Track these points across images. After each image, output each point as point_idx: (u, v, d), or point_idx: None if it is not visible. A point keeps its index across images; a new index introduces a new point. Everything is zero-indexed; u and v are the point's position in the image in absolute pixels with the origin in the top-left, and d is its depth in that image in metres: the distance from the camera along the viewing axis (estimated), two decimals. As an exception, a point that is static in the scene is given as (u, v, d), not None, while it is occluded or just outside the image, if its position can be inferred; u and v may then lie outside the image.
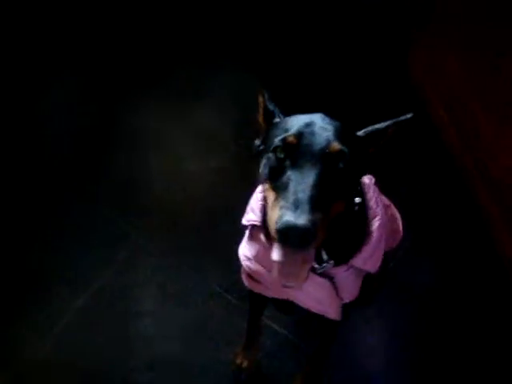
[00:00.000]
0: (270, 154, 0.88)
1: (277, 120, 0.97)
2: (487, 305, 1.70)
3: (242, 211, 1.15)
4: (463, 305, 1.69)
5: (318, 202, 0.80)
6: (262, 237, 1.06)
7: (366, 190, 1.10)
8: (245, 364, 1.51)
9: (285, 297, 1.15)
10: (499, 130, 1.70)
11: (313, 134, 0.87)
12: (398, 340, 1.61)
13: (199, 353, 1.56)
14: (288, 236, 0.78)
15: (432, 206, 1.89)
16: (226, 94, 2.16)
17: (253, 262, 1.12)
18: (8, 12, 2.37)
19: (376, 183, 1.15)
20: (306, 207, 0.78)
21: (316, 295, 1.09)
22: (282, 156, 0.86)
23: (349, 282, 1.09)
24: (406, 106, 2.05)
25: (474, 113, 1.82)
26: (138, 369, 1.54)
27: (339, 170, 0.86)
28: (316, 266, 1.00)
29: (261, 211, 1.06)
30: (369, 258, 1.06)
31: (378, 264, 1.10)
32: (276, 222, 0.79)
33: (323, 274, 1.04)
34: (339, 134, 0.88)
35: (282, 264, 0.85)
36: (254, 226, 1.10)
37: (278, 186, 0.85)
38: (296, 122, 0.90)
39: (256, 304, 1.39)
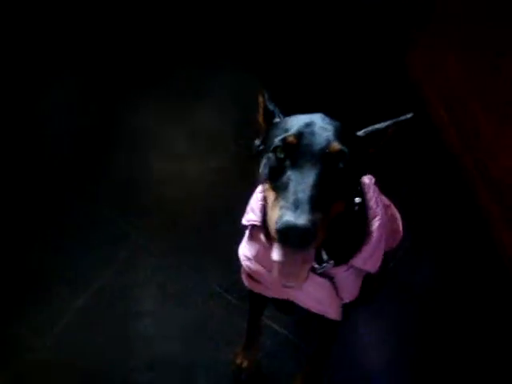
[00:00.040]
0: (270, 154, 0.88)
1: (277, 120, 0.97)
2: (487, 304, 1.70)
3: (241, 211, 1.15)
4: (463, 305, 1.69)
5: (317, 201, 0.80)
6: (262, 237, 1.06)
7: (366, 190, 1.10)
8: (245, 364, 1.51)
9: (285, 297, 1.15)
10: (499, 129, 1.70)
11: (313, 133, 0.87)
12: (398, 340, 1.61)
13: (199, 353, 1.56)
14: (288, 236, 0.78)
15: (432, 206, 1.89)
16: (225, 94, 2.16)
17: (253, 261, 1.12)
18: (8, 12, 2.37)
19: (376, 183, 1.15)
20: (305, 207, 0.78)
21: (316, 295, 1.09)
22: (282, 156, 0.86)
23: (349, 282, 1.09)
24: (406, 105, 2.05)
25: (474, 112, 1.82)
26: (138, 369, 1.54)
27: (339, 170, 0.86)
28: (316, 266, 1.00)
29: (261, 211, 1.06)
30: (369, 258, 1.06)
31: (378, 264, 1.10)
32: (276, 222, 0.79)
33: (323, 274, 1.04)
34: (339, 134, 0.88)
35: (281, 264, 0.85)
36: (253, 226, 1.10)
37: (278, 185, 0.84)
38: (296, 122, 0.90)
39: (256, 304, 1.39)
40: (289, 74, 2.22)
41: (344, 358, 1.55)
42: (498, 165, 1.73)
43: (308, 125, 0.88)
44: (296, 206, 0.79)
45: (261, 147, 0.96)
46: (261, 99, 0.99)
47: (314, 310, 1.14)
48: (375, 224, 1.07)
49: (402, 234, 1.39)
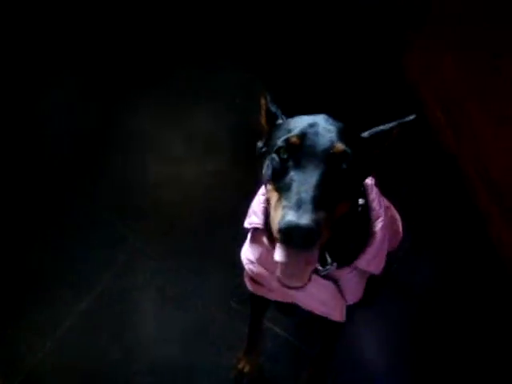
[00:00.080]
0: (274, 155, 0.88)
1: (279, 121, 0.97)
2: (487, 304, 1.69)
3: (241, 214, 1.15)
4: (464, 305, 1.69)
5: (321, 202, 0.80)
6: (265, 240, 1.05)
7: (369, 191, 1.09)
8: (246, 369, 1.50)
9: (289, 300, 1.15)
10: (497, 130, 1.70)
11: (316, 134, 0.87)
12: (401, 340, 1.61)
13: (200, 357, 1.55)
14: (291, 236, 0.78)
15: (431, 207, 1.89)
16: (225, 94, 2.15)
17: (256, 265, 1.11)
18: (8, 12, 2.36)
19: (376, 184, 1.15)
20: (308, 207, 0.78)
21: (320, 297, 1.08)
22: (285, 156, 0.86)
23: (352, 284, 1.08)
24: (403, 107, 2.06)
25: (471, 114, 1.82)
26: (139, 372, 1.53)
27: (342, 171, 0.85)
28: (320, 268, 0.99)
29: (263, 214, 1.06)
30: (372, 260, 1.06)
31: (382, 265, 1.10)
32: (278, 223, 0.79)
33: (327, 276, 1.03)
34: (343, 135, 0.88)
35: (284, 265, 0.84)
36: (256, 229, 1.09)
37: (281, 186, 0.84)
38: (299, 123, 0.90)
39: (257, 307, 1.38)
40: (287, 74, 2.22)
41: (347, 359, 1.55)
42: (497, 166, 1.74)
43: (311, 126, 0.88)
44: (299, 205, 0.78)
45: (264, 149, 0.96)
46: (263, 101, 0.99)
47: (318, 312, 1.14)
48: (378, 225, 1.07)
49: (401, 235, 1.39)
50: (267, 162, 0.90)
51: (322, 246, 0.84)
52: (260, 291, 1.18)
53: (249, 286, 1.20)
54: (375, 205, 1.08)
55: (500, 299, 1.71)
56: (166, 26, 2.38)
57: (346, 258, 1.03)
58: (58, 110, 2.10)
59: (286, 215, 0.78)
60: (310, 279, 0.86)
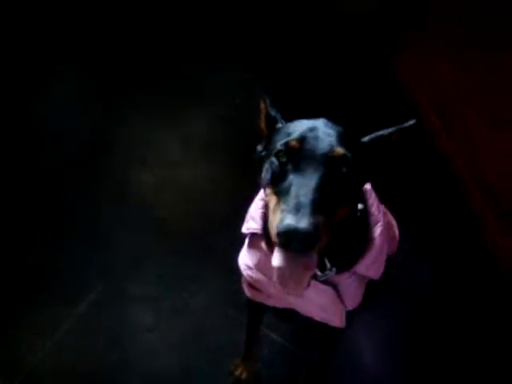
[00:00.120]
0: (273, 159, 0.87)
1: (279, 125, 0.96)
2: (484, 309, 1.69)
3: (238, 219, 1.13)
4: (462, 310, 1.69)
5: (320, 205, 0.79)
6: (263, 245, 1.04)
7: (367, 196, 1.09)
8: (244, 375, 1.50)
9: (287, 306, 1.14)
10: (493, 133, 1.71)
11: (316, 138, 0.86)
12: (399, 345, 1.61)
13: (197, 363, 1.53)
14: (289, 240, 0.77)
15: (426, 211, 1.89)
16: (225, 94, 2.16)
17: (254, 270, 1.10)
18: (8, 11, 2.36)
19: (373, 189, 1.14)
20: (307, 210, 0.77)
21: (319, 302, 1.07)
22: (285, 160, 0.86)
23: (352, 289, 1.07)
24: (396, 110, 2.07)
25: (466, 117, 1.83)
26: (136, 378, 1.51)
27: (342, 175, 0.85)
28: (319, 273, 0.98)
29: (261, 219, 1.05)
30: (371, 265, 1.05)
31: (381, 270, 1.10)
32: (277, 226, 0.78)
33: (326, 282, 1.02)
34: (342, 139, 0.87)
35: (282, 270, 0.83)
36: (254, 234, 1.08)
37: (280, 190, 0.84)
38: (299, 127, 0.89)
39: (255, 313, 1.37)
40: (285, 75, 2.23)
41: (345, 364, 1.54)
42: (491, 169, 1.74)
43: (311, 129, 0.88)
44: (297, 209, 0.77)
45: (263, 153, 0.96)
46: (262, 105, 0.98)
47: (317, 318, 1.13)
48: (377, 230, 1.06)
49: (398, 240, 1.39)
50: (266, 166, 0.89)
51: (322, 251, 0.83)
52: (258, 297, 1.17)
53: (247, 292, 1.19)
54: (374, 210, 1.08)
55: (496, 302, 1.71)
56: (166, 26, 2.39)
57: (345, 263, 1.02)
58: (57, 110, 2.11)
59: (284, 219, 0.77)
60: (309, 284, 0.85)
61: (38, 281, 1.68)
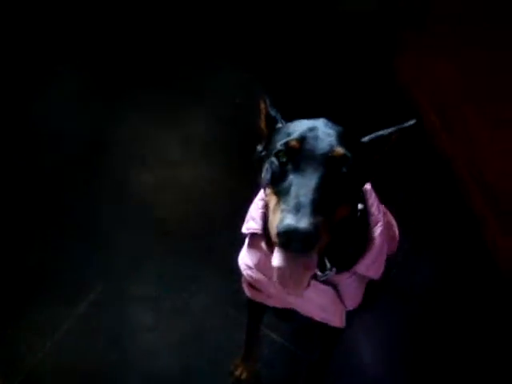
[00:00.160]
0: (273, 159, 0.87)
1: (279, 125, 0.96)
2: (485, 310, 1.69)
3: (238, 219, 1.13)
4: (462, 310, 1.69)
5: (320, 205, 0.79)
6: (263, 245, 1.04)
7: (367, 196, 1.09)
8: (244, 375, 1.49)
9: (287, 306, 1.14)
10: (493, 133, 1.71)
11: (316, 138, 0.86)
12: (399, 345, 1.61)
13: (197, 364, 1.53)
14: (289, 240, 0.77)
15: (426, 211, 1.89)
16: (225, 94, 2.15)
17: (254, 270, 1.10)
18: (7, 10, 2.36)
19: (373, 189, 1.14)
20: (307, 210, 0.77)
21: (320, 303, 1.07)
22: (285, 160, 0.86)
23: (352, 289, 1.07)
24: (396, 110, 2.06)
25: (466, 117, 1.83)
26: (136, 378, 1.51)
27: (342, 175, 0.85)
28: (319, 273, 0.98)
29: (261, 219, 1.05)
30: (372, 265, 1.05)
31: (381, 270, 1.10)
32: (277, 226, 0.78)
33: (326, 282, 1.02)
34: (342, 139, 0.87)
35: (282, 270, 0.83)
36: (254, 234, 1.08)
37: (280, 190, 0.83)
38: (299, 127, 0.89)
39: (255, 313, 1.37)
40: (286, 75, 2.23)
41: (345, 364, 1.54)
42: (492, 169, 1.74)
43: (311, 129, 0.88)
44: (297, 209, 0.77)
45: (263, 153, 0.96)
46: (262, 105, 0.98)
47: (317, 318, 1.12)
48: (377, 230, 1.06)
49: (398, 239, 1.39)
50: (266, 166, 0.89)
51: (322, 251, 0.83)
52: (258, 297, 1.17)
53: (247, 292, 1.19)
54: (374, 210, 1.07)
55: (496, 302, 1.71)
56: (166, 26, 2.39)
57: (346, 263, 1.02)
58: (57, 110, 2.10)
59: (284, 219, 0.77)
60: (309, 284, 0.85)
61: (38, 281, 1.68)
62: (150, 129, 2.07)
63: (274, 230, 0.79)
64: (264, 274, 1.08)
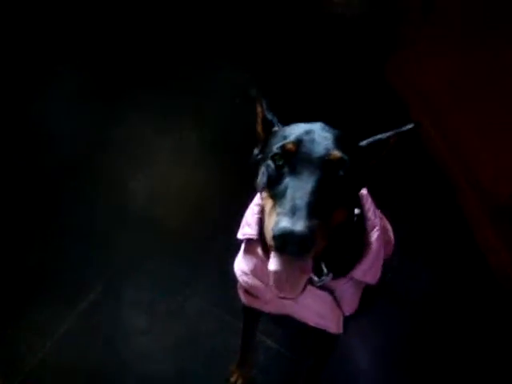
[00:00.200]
0: (269, 162, 0.87)
1: (275, 129, 0.96)
2: (480, 311, 1.69)
3: (234, 225, 1.12)
4: (457, 315, 1.68)
5: (316, 208, 0.78)
6: (259, 250, 1.03)
7: (364, 201, 1.08)
8: (239, 381, 1.49)
9: (284, 312, 1.13)
10: (488, 139, 1.71)
11: (312, 141, 0.86)
12: (395, 351, 1.60)
13: (192, 370, 1.52)
14: (285, 243, 0.76)
15: (423, 216, 1.89)
16: (225, 94, 2.16)
17: (250, 276, 1.09)
18: (7, 12, 2.37)
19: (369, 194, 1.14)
20: (303, 213, 0.77)
21: (317, 309, 1.06)
22: (281, 163, 0.85)
23: (348, 295, 1.07)
24: (395, 116, 2.07)
25: (462, 120, 1.82)
26: (132, 381, 1.50)
27: (339, 178, 0.84)
28: (315, 278, 0.97)
29: (257, 224, 1.04)
30: (368, 270, 1.04)
31: (378, 275, 1.09)
32: (272, 229, 0.77)
33: (323, 287, 1.01)
34: (339, 143, 0.87)
35: (279, 274, 0.82)
36: (249, 240, 1.07)
37: (276, 193, 0.83)
38: (295, 130, 0.89)
39: (250, 319, 1.36)
40: (283, 77, 2.23)
41: (341, 370, 1.53)
42: (487, 174, 1.74)
43: (307, 133, 0.87)
44: (293, 212, 0.77)
45: (259, 156, 0.95)
46: (259, 109, 0.98)
47: (313, 323, 1.12)
48: (374, 235, 1.05)
49: (393, 243, 1.39)
50: (262, 169, 0.89)
51: (319, 255, 0.82)
52: (254, 303, 1.16)
53: (243, 298, 1.18)
54: (370, 215, 1.07)
55: (491, 307, 1.70)
56: (166, 26, 2.40)
57: (342, 269, 1.01)
58: (57, 110, 2.11)
59: (280, 222, 0.76)
60: (304, 288, 0.84)
61: (38, 281, 1.68)
62: (149, 129, 2.07)
63: (269, 233, 0.78)
64: (260, 280, 1.07)
